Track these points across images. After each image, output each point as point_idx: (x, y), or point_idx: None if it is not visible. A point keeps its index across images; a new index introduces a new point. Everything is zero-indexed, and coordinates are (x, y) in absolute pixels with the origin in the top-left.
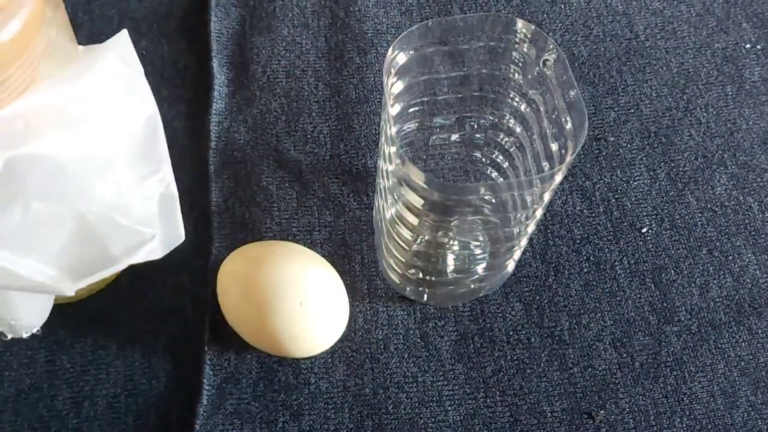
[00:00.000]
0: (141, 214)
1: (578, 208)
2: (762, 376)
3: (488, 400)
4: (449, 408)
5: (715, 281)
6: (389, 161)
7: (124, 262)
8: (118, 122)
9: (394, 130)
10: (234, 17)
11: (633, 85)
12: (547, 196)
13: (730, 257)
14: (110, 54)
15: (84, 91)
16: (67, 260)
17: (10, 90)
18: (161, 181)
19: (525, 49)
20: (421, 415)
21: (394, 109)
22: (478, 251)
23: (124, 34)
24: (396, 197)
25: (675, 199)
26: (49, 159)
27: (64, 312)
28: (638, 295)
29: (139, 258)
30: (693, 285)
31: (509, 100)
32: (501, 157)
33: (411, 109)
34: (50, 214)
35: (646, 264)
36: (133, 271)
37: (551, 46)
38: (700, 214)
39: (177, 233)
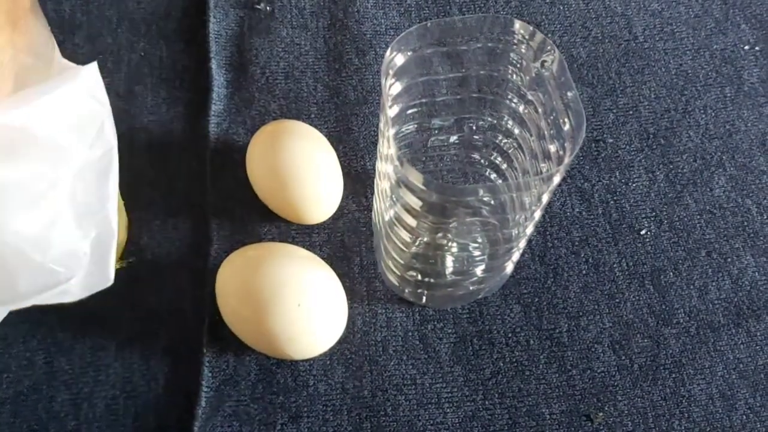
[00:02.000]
0: (63, 253)
1: (577, 209)
2: (760, 379)
3: (487, 403)
4: (448, 410)
5: (713, 283)
6: (388, 163)
7: (31, 299)
8: (67, 153)
9: (392, 131)
10: (233, 18)
11: (632, 86)
12: (545, 198)
13: (729, 259)
14: (72, 84)
15: (30, 116)
16: None
17: None
18: (101, 222)
19: (523, 50)
20: (420, 418)
21: (392, 111)
22: (476, 253)
23: (93, 66)
24: (395, 199)
25: (674, 200)
26: None
27: (62, 314)
28: (637, 297)
29: (48, 298)
30: (692, 287)
31: (508, 102)
32: (500, 159)
33: (409, 111)
34: None
35: (645, 266)
36: (133, 273)
37: (549, 48)
38: (698, 216)
39: (105, 277)
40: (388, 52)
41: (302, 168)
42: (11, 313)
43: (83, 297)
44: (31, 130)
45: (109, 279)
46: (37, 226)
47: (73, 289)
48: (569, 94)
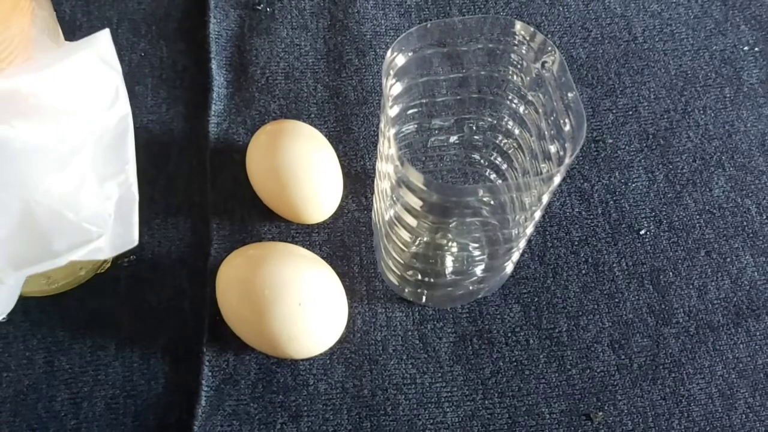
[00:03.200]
0: (92, 213)
1: (576, 209)
2: (760, 378)
3: (487, 402)
4: (448, 409)
5: (713, 283)
6: (388, 163)
7: (66, 256)
8: (86, 118)
9: (392, 131)
10: (233, 19)
11: (631, 87)
12: (545, 198)
13: (728, 259)
14: (87, 50)
15: (52, 81)
16: (8, 248)
17: None
18: (122, 184)
19: (524, 51)
20: (420, 417)
21: (392, 111)
22: (476, 253)
23: (105, 32)
24: (395, 199)
25: (673, 201)
26: (1, 144)
27: (63, 313)
28: (636, 297)
29: (82, 255)
30: (691, 287)
31: (508, 102)
32: (500, 159)
33: (410, 111)
34: None
35: (644, 266)
36: (132, 272)
37: (550, 48)
38: (698, 216)
39: (130, 237)
40: (388, 53)
41: (302, 168)
42: (12, 312)
43: (112, 256)
44: (49, 96)
45: (134, 240)
46: (66, 188)
47: (103, 248)
48: (569, 94)
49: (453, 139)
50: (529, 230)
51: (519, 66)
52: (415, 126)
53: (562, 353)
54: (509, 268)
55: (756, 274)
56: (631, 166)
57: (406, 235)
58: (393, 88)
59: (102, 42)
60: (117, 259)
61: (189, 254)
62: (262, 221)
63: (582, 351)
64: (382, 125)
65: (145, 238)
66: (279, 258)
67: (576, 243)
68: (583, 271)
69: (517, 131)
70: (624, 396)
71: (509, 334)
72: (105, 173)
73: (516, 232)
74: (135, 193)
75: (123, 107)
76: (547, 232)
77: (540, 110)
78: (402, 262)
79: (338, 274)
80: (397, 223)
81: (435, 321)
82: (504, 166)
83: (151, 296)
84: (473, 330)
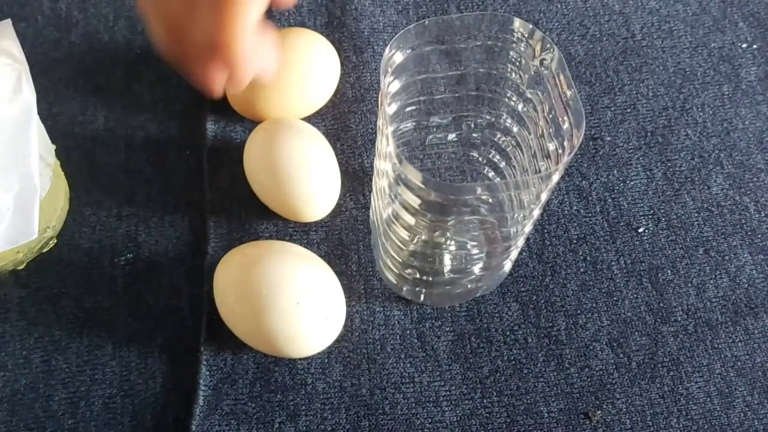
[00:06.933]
0: None
1: (575, 207)
2: (758, 376)
3: (485, 401)
4: (446, 408)
5: (711, 281)
6: (386, 160)
7: None
8: None
9: (390, 129)
10: None
11: (630, 84)
12: (544, 196)
13: (727, 257)
14: None
15: None
16: None
17: None
18: (23, 177)
19: (522, 49)
20: (418, 416)
21: (390, 109)
22: (474, 251)
23: (7, 23)
24: (393, 197)
25: (671, 198)
26: None
27: (59, 312)
28: (635, 295)
29: None
30: (689, 285)
31: (506, 100)
32: (498, 157)
33: (408, 109)
34: None
35: (643, 264)
36: (130, 270)
37: (548, 46)
38: (696, 214)
39: (29, 230)
40: (387, 50)
41: (300, 166)
42: (8, 311)
43: (6, 249)
44: None
45: (33, 232)
46: None
47: None
48: (568, 92)
49: (451, 136)
50: (528, 228)
51: (517, 63)
52: (414, 123)
53: (560, 352)
54: (507, 266)
55: (754, 272)
56: (629, 163)
57: (404, 234)
58: (391, 85)
59: (2, 33)
60: (114, 258)
61: (186, 253)
62: (259, 219)
63: (580, 349)
64: (380, 123)
65: (142, 237)
66: (276, 256)
67: (574, 241)
68: (582, 270)
69: (515, 129)
70: (622, 394)
71: (507, 333)
72: (5, 165)
73: (514, 230)
74: (37, 186)
75: (26, 98)
76: (546, 231)
77: (538, 108)
78: (400, 260)
79: (336, 272)
80: (395, 221)
81: (433, 320)
82: (502, 164)
83: (148, 295)
84: (471, 329)
